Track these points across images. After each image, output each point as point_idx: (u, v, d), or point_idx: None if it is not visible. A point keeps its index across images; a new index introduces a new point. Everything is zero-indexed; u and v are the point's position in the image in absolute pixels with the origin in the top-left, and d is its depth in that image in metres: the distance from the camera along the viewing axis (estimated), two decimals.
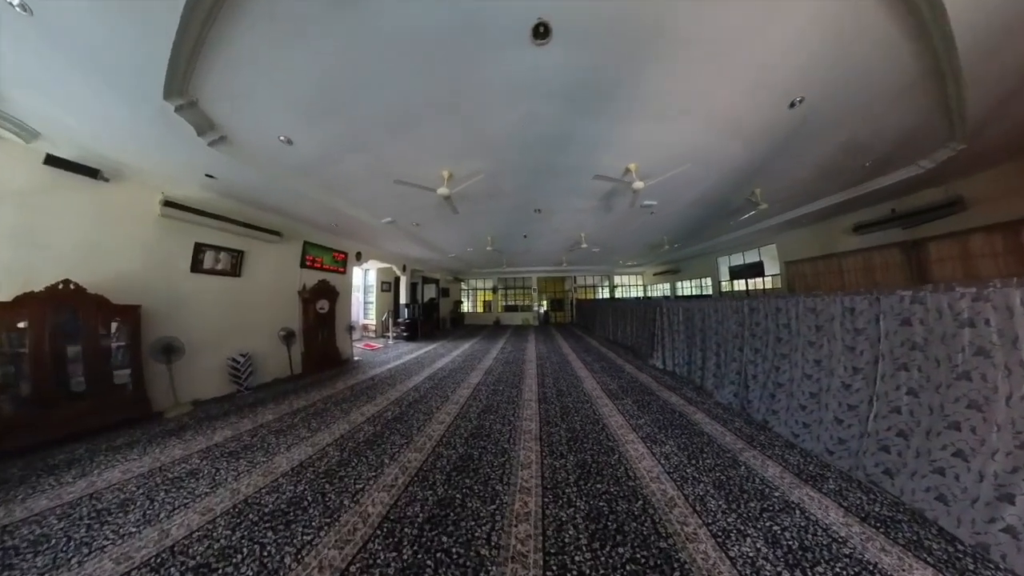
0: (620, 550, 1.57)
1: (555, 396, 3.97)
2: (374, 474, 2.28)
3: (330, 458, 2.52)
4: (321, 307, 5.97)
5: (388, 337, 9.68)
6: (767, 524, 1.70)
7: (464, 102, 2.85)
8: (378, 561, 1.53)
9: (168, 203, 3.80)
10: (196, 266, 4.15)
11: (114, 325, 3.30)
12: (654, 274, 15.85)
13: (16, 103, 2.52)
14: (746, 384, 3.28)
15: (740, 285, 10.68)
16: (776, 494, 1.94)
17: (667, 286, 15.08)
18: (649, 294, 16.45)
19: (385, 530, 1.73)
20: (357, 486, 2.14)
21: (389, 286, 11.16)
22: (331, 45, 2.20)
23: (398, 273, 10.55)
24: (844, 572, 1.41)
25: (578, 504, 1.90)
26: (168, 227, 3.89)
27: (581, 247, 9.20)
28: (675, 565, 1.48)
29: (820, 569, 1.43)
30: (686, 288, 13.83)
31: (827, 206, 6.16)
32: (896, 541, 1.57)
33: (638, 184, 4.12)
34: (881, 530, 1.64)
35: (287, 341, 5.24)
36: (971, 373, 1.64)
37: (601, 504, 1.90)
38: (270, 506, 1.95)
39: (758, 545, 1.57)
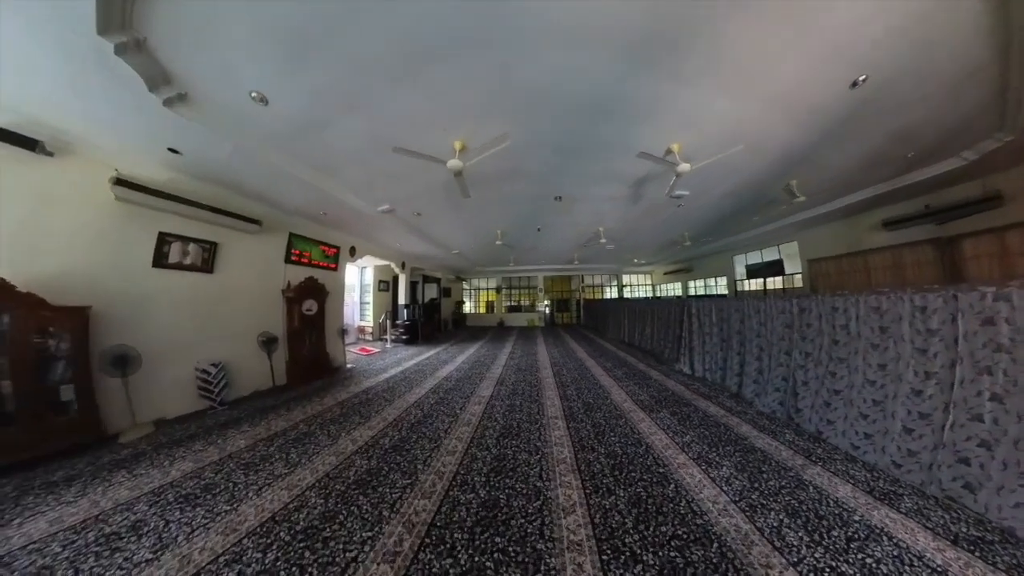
0: None
1: (583, 412, 3.43)
2: (370, 534, 1.71)
3: (311, 508, 1.94)
4: (308, 308, 5.32)
5: (386, 340, 9.11)
6: (859, 557, 1.49)
7: (500, 35, 2.14)
8: None
9: (121, 182, 3.13)
10: (160, 260, 3.54)
11: (52, 330, 2.70)
12: (664, 273, 15.32)
13: None
14: (795, 391, 3.02)
15: (756, 284, 10.20)
16: (855, 518, 1.74)
17: (678, 285, 14.55)
18: (658, 294, 15.95)
19: None
20: (348, 554, 1.57)
21: (387, 285, 10.67)
22: None
23: (397, 271, 10.03)
24: None
25: (646, 559, 1.53)
26: (126, 213, 3.27)
27: (599, 242, 8.57)
28: None
29: None
30: (699, 287, 13.29)
31: (862, 199, 5.89)
32: (996, 566, 1.41)
33: (683, 166, 3.56)
34: (976, 554, 1.48)
35: (268, 347, 4.60)
36: None
37: (673, 555, 1.55)
38: None
39: None
